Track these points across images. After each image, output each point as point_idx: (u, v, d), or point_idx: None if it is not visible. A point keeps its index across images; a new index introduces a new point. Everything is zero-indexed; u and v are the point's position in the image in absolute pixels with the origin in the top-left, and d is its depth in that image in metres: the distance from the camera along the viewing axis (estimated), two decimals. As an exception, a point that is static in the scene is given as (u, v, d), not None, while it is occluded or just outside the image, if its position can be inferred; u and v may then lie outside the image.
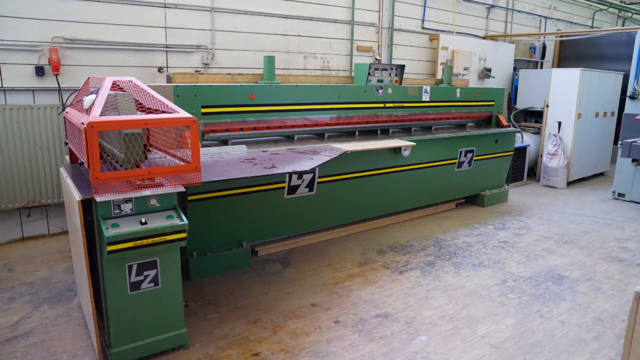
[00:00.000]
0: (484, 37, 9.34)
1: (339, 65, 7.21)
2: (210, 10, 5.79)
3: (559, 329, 3.46)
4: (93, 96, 2.81)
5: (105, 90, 2.79)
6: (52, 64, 4.75)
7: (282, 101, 4.58)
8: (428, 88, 5.79)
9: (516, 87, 9.21)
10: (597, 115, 8.33)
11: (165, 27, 5.51)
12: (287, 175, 4.42)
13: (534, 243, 5.25)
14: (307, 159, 3.87)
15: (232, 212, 4.25)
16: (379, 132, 5.59)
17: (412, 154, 5.39)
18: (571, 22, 11.47)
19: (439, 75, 7.78)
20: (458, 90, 6.15)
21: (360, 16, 7.33)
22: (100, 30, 5.07)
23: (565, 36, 10.33)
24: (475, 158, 6.32)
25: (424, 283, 4.16)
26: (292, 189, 4.54)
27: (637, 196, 7.09)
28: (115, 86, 3.04)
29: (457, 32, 8.75)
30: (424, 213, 6.17)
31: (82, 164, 3.45)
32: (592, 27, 11.99)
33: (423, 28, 8.26)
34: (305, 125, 4.84)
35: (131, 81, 3.06)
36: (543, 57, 10.35)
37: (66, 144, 3.71)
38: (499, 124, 6.75)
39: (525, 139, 8.33)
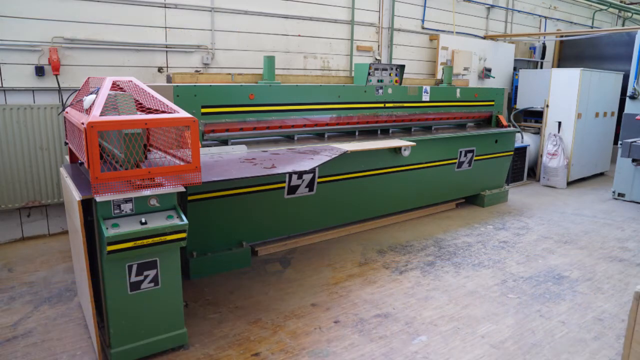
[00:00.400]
0: (484, 37, 9.34)
1: (339, 65, 7.21)
2: (210, 10, 5.79)
3: (559, 329, 3.46)
4: (93, 96, 2.81)
5: (105, 90, 2.79)
6: (52, 64, 4.75)
7: (282, 101, 4.58)
8: (428, 88, 5.79)
9: (516, 87, 9.21)
10: (597, 115, 8.33)
11: (165, 27, 5.51)
12: (287, 175, 4.42)
13: (534, 243, 5.25)
14: (307, 159, 3.87)
15: (232, 212, 4.25)
16: (379, 132, 5.59)
17: (412, 154, 5.39)
18: (571, 22, 11.47)
19: (439, 75, 7.78)
20: (458, 90, 6.15)
21: (360, 16, 7.33)
22: (100, 30, 5.08)
23: (565, 36, 10.33)
24: (475, 158, 6.32)
25: (424, 283, 4.16)
26: (292, 189, 4.54)
27: (637, 196, 7.09)
28: (115, 86, 3.04)
29: (457, 32, 8.75)
30: (424, 213, 6.17)
31: (82, 164, 3.45)
32: (592, 27, 11.99)
33: (423, 28, 8.26)
34: (305, 125, 4.84)
35: (131, 81, 3.06)
36: (543, 57, 10.35)
37: (66, 144, 3.71)
38: (499, 124, 6.75)
39: (525, 139, 8.33)
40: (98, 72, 5.06)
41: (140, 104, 2.95)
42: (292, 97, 4.64)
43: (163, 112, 2.83)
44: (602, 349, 3.22)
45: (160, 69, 5.54)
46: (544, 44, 10.30)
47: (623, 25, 13.10)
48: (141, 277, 2.80)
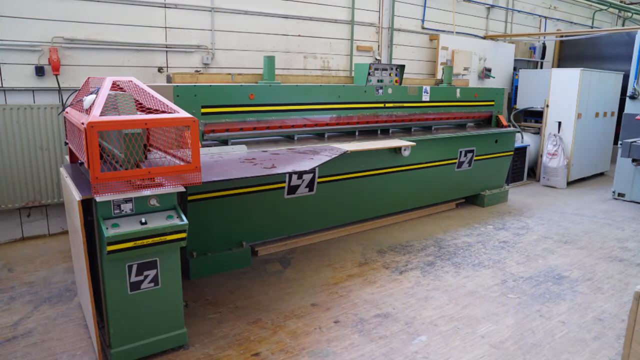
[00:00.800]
0: (484, 37, 9.34)
1: (339, 65, 7.21)
2: (210, 10, 5.79)
3: (559, 329, 3.46)
4: (93, 96, 2.81)
5: (105, 90, 2.79)
6: (52, 64, 4.75)
7: (282, 101, 4.58)
8: (428, 88, 5.79)
9: (516, 87, 9.21)
10: (597, 115, 8.33)
11: (165, 27, 5.51)
12: (287, 175, 4.42)
13: (534, 243, 5.25)
14: (307, 159, 3.87)
15: (232, 212, 4.25)
16: (379, 132, 5.59)
17: (412, 154, 5.39)
18: (571, 22, 11.47)
19: (439, 75, 7.78)
20: (458, 90, 6.15)
21: (360, 16, 7.33)
22: (100, 30, 5.08)
23: (565, 36, 10.33)
24: (475, 158, 6.32)
25: (424, 283, 4.16)
26: (292, 189, 4.54)
27: (637, 196, 7.09)
28: (115, 86, 3.04)
29: (457, 32, 8.75)
30: (424, 213, 6.17)
31: (82, 164, 3.45)
32: (592, 27, 11.99)
33: (423, 28, 8.26)
34: (305, 125, 4.84)
35: (131, 81, 3.06)
36: (543, 57, 10.35)
37: (66, 144, 3.71)
38: (499, 124, 6.75)
39: (525, 139, 8.33)
40: (98, 72, 5.06)
41: (140, 104, 2.95)
42: (292, 97, 4.64)
43: (163, 112, 2.83)
44: (602, 349, 3.22)
45: (160, 69, 5.54)
46: (544, 44, 10.29)
47: (623, 25, 13.10)
48: (141, 277, 2.80)
